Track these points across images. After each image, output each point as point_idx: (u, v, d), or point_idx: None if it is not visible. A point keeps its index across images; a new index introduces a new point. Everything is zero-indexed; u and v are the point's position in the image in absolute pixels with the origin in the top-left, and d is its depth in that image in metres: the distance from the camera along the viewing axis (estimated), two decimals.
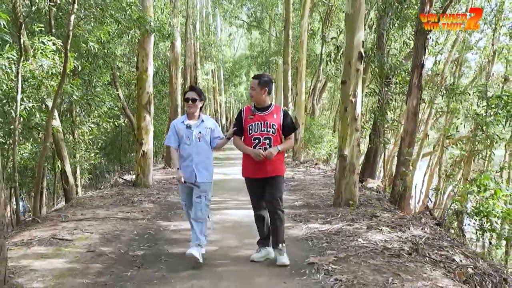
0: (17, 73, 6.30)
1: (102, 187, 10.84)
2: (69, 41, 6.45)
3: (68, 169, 8.54)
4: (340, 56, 10.85)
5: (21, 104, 6.67)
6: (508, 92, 7.66)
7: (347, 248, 4.57)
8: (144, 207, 7.08)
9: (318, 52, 20.08)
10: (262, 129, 4.01)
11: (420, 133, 16.34)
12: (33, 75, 6.74)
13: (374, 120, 10.78)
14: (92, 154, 11.65)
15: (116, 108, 12.36)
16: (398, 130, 12.81)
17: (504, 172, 12.38)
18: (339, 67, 14.06)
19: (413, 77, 7.56)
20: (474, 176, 7.76)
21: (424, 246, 4.61)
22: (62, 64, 6.66)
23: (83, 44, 8.45)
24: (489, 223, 5.87)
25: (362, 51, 6.84)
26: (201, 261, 4.02)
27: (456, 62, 17.00)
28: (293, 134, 4.22)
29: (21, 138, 8.58)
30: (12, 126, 6.78)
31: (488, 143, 8.32)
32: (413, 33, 9.31)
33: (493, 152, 10.05)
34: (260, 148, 3.98)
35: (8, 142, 7.41)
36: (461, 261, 4.48)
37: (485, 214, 5.83)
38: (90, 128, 11.08)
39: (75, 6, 6.57)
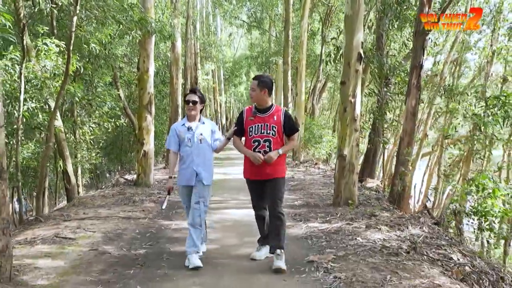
0: (20, 73, 6.37)
1: (103, 186, 10.92)
2: (72, 43, 6.51)
3: (70, 168, 8.61)
4: (340, 56, 10.91)
5: (24, 105, 6.74)
6: (506, 92, 7.73)
7: (346, 246, 4.63)
8: (146, 206, 7.15)
9: (318, 53, 20.14)
10: (262, 131, 3.99)
11: (420, 133, 16.41)
12: (36, 76, 6.81)
13: (374, 120, 10.86)
14: (93, 154, 11.73)
15: (118, 108, 12.43)
16: (398, 130, 12.87)
17: (503, 172, 12.45)
18: (338, 67, 14.14)
19: (412, 77, 7.62)
20: (473, 176, 7.81)
21: (422, 244, 4.67)
22: (65, 66, 6.73)
23: (85, 45, 8.52)
24: (486, 223, 5.93)
25: (361, 52, 6.91)
26: (201, 265, 4.03)
27: (455, 63, 17.06)
28: (296, 135, 4.16)
29: (23, 138, 8.65)
30: (15, 126, 6.85)
31: (487, 143, 8.39)
32: (412, 34, 9.38)
33: (491, 152, 10.12)
34: (260, 151, 3.96)
35: (11, 142, 7.47)
36: (458, 259, 4.54)
37: (483, 213, 5.90)
38: (91, 128, 11.16)
39: (78, 7, 6.63)
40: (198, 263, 4.00)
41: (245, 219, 5.91)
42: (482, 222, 6.05)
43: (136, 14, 7.97)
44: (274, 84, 4.27)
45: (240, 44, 44.25)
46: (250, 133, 4.04)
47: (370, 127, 11.69)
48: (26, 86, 6.89)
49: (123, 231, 5.48)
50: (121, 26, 8.24)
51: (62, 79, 6.90)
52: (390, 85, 10.21)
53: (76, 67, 7.80)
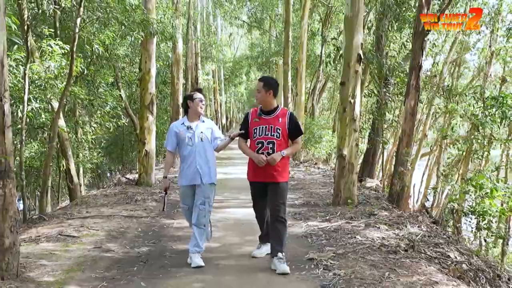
0: (24, 74, 6.45)
1: (105, 186, 11.00)
2: (75, 44, 6.59)
3: (72, 168, 8.70)
4: (340, 57, 11.00)
5: (28, 105, 6.82)
6: (504, 93, 7.81)
7: (346, 244, 4.71)
8: (148, 205, 7.23)
9: (318, 53, 20.20)
10: (266, 133, 3.98)
11: (419, 133, 16.49)
12: (39, 76, 6.89)
13: (373, 120, 10.94)
14: (95, 154, 11.81)
15: (119, 108, 12.52)
16: (397, 130, 12.95)
17: (502, 171, 12.53)
18: (338, 68, 14.21)
19: (411, 78, 7.69)
20: (471, 176, 7.90)
21: (420, 243, 4.75)
22: (69, 66, 6.82)
23: (87, 46, 8.61)
24: (484, 222, 6.02)
25: (361, 53, 6.98)
26: (203, 264, 4.08)
27: (454, 63, 17.15)
28: (300, 138, 4.15)
29: (27, 138, 8.74)
30: (19, 126, 6.94)
31: (485, 143, 8.47)
32: (411, 35, 9.46)
33: (489, 152, 10.20)
34: (263, 153, 3.95)
35: (15, 142, 7.56)
36: (455, 257, 4.62)
37: (481, 213, 5.98)
38: (93, 128, 11.24)
39: (81, 9, 6.72)
40: (201, 262, 4.07)
41: (246, 218, 5.99)
42: (479, 221, 6.15)
43: (138, 16, 8.04)
44: (279, 86, 4.22)
45: (240, 44, 44.35)
46: (255, 134, 4.05)
47: (370, 127, 11.78)
48: (30, 87, 6.97)
49: (126, 230, 5.57)
50: (123, 27, 8.31)
51: (66, 80, 6.98)
52: (389, 86, 10.29)
53: (80, 68, 7.89)
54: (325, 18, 18.97)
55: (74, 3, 7.12)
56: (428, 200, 13.86)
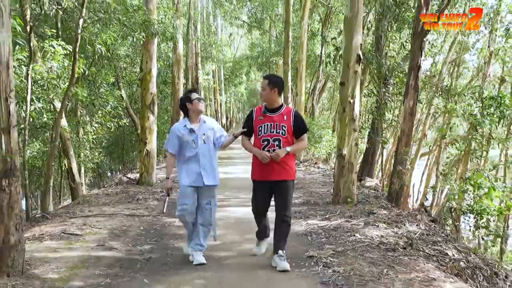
0: (27, 74, 6.52)
1: (106, 185, 11.06)
2: (78, 44, 6.66)
3: (74, 167, 8.76)
4: (339, 57, 11.05)
5: (30, 105, 6.88)
6: (502, 93, 7.88)
7: (345, 242, 4.77)
8: (149, 204, 7.30)
9: (318, 53, 20.25)
10: (272, 130, 3.94)
11: (419, 133, 16.57)
12: (42, 77, 6.96)
13: (373, 120, 11.00)
14: (96, 153, 11.88)
15: (120, 108, 12.58)
16: (397, 129, 13.01)
17: (500, 170, 12.60)
18: (338, 68, 14.27)
19: (410, 78, 7.75)
20: (469, 175, 7.96)
21: (418, 241, 4.81)
22: (71, 67, 6.88)
23: (89, 46, 8.67)
24: (482, 221, 6.08)
25: (360, 53, 7.04)
26: (205, 262, 4.14)
27: (454, 63, 17.21)
28: (305, 135, 4.10)
29: (29, 137, 8.80)
30: (22, 126, 7.01)
31: (484, 143, 8.54)
32: (410, 35, 9.53)
33: (487, 152, 10.26)
34: (269, 150, 3.91)
35: (18, 141, 7.60)
36: (453, 255, 4.67)
37: (479, 212, 6.05)
38: (94, 128, 11.31)
39: (84, 10, 6.78)
40: (202, 260, 4.13)
41: (246, 217, 6.02)
42: (478, 220, 6.21)
43: (140, 17, 8.10)
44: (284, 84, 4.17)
45: (240, 44, 44.39)
46: (260, 132, 4.00)
47: (369, 127, 11.84)
48: (33, 87, 7.04)
49: (128, 228, 5.64)
50: (124, 28, 8.37)
51: (68, 80, 7.05)
52: (388, 86, 10.35)
53: (81, 70, 7.95)
54: (325, 18, 19.02)
55: (76, 4, 7.18)
56: (427, 199, 13.93)
